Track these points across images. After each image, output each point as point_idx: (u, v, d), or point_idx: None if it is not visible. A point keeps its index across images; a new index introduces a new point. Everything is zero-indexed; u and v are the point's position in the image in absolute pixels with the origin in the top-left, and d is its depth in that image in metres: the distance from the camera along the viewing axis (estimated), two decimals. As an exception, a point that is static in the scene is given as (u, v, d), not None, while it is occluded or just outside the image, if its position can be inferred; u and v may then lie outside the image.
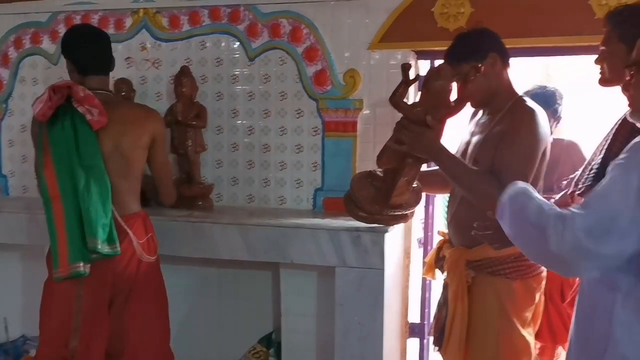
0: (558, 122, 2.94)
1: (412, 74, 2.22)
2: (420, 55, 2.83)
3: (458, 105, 2.16)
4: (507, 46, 2.28)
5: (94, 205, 2.21)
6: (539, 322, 2.39)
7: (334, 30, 2.87)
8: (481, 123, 2.31)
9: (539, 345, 2.82)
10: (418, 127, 2.11)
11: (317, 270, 2.71)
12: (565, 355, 1.91)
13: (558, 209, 1.57)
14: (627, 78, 1.62)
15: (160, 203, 2.64)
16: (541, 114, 2.16)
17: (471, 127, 2.37)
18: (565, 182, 2.16)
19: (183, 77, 2.90)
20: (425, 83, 2.16)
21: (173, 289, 2.99)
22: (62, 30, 3.23)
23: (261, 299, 3.02)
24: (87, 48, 2.35)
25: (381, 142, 2.36)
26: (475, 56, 2.18)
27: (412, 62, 2.80)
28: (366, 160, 2.80)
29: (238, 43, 3.00)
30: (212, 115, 3.01)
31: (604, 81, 1.92)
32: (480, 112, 2.36)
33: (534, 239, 1.60)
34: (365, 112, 2.85)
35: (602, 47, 1.91)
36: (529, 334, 2.27)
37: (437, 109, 2.11)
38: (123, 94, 3.01)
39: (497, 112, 2.23)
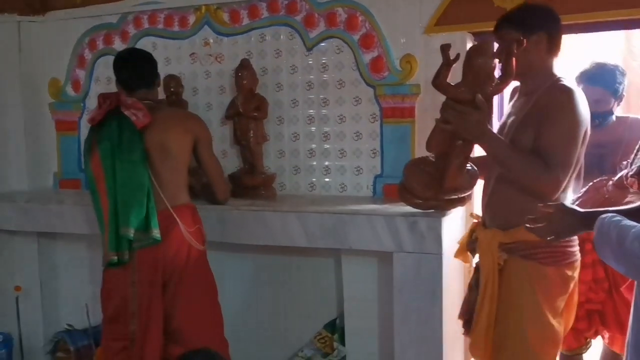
0: (620, 101, 2.78)
1: (452, 54, 2.17)
2: (477, 36, 2.77)
3: (503, 82, 2.12)
4: (581, 21, 2.20)
5: (129, 196, 2.42)
6: (573, 312, 2.33)
7: (389, 16, 2.86)
8: (517, 105, 2.25)
9: (607, 335, 2.71)
10: (464, 107, 2.09)
11: (377, 257, 2.73)
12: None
13: None
14: None
15: (215, 201, 2.77)
16: (579, 94, 2.09)
17: (508, 108, 2.31)
18: (625, 162, 2.08)
19: (243, 70, 2.97)
20: (467, 61, 2.13)
21: (237, 277, 3.12)
22: (131, 30, 3.40)
23: (325, 286, 3.07)
24: (127, 69, 2.60)
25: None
26: (522, 28, 2.12)
27: (470, 44, 2.75)
28: (424, 145, 2.77)
29: (296, 34, 3.05)
30: (273, 106, 3.08)
31: None
32: (517, 94, 2.30)
33: None
34: (423, 97, 2.83)
35: None
36: (558, 323, 2.22)
37: (481, 88, 2.07)
38: (172, 89, 3.14)
39: (533, 93, 2.17)
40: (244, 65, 2.99)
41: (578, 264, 2.24)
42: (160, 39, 3.35)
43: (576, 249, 2.22)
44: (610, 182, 2.45)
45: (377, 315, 2.81)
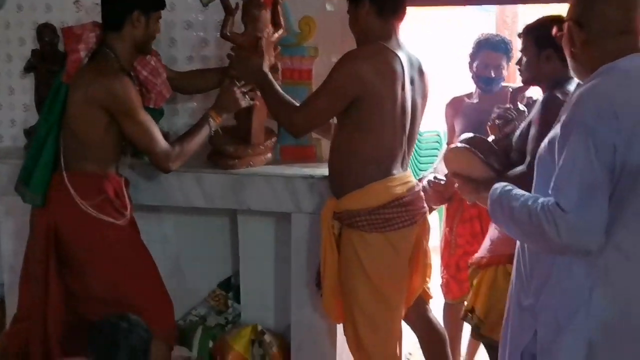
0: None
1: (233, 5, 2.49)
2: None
3: (276, 32, 2.52)
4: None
5: (32, 148, 2.37)
6: (423, 273, 2.49)
7: (288, -24, 2.85)
8: None
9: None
10: (244, 52, 2.41)
11: (274, 216, 2.78)
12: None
13: (540, 201, 1.64)
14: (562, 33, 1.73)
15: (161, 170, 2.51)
16: (357, 56, 2.30)
17: None
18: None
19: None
20: (244, 13, 2.45)
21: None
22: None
23: (219, 245, 3.08)
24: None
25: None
26: None
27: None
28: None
29: (195, -12, 2.96)
30: (166, 62, 2.97)
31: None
32: None
33: (539, 237, 1.66)
34: (320, 59, 2.86)
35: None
36: (392, 288, 2.36)
37: (260, 36, 2.43)
38: (46, 39, 2.94)
39: None
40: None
41: (410, 230, 2.35)
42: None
43: (403, 216, 2.33)
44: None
45: (274, 273, 2.87)
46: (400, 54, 2.29)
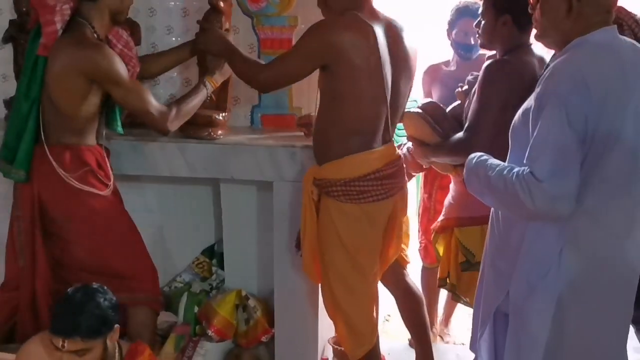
0: None
1: None
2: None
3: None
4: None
5: (11, 125, 2.38)
6: (398, 243, 2.53)
7: (267, -55, 2.85)
8: None
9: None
10: (207, 24, 2.59)
11: (256, 185, 2.84)
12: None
13: (515, 170, 1.72)
14: (531, 2, 1.79)
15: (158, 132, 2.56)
16: (327, 23, 2.36)
17: None
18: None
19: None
20: None
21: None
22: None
23: (203, 213, 3.14)
24: None
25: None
26: None
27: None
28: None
29: (169, -44, 2.95)
30: (146, 33, 2.98)
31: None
32: None
33: (514, 205, 1.75)
34: (300, 29, 2.89)
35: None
36: (367, 257, 2.41)
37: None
38: (24, 9, 2.89)
39: None
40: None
41: (385, 203, 2.38)
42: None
43: (378, 189, 2.36)
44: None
45: (256, 240, 2.94)
46: (375, 24, 2.29)
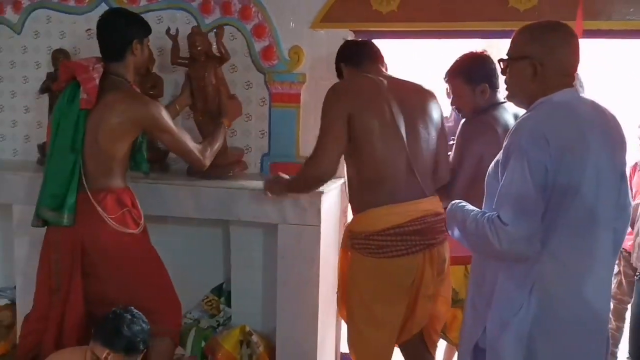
0: None
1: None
2: (358, 34, 3.10)
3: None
4: (431, 29, 2.68)
5: (53, 175, 2.53)
6: (424, 307, 2.47)
7: (280, 10, 3.13)
8: None
9: None
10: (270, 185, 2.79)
11: (262, 227, 3.03)
12: None
13: (487, 215, 1.92)
14: (502, 68, 2.01)
15: (193, 173, 2.98)
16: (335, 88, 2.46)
17: None
18: None
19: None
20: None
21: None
22: (25, 1, 3.43)
23: (213, 254, 3.34)
24: (99, 38, 2.58)
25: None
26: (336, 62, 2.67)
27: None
28: (308, 128, 3.13)
29: (192, 19, 3.24)
30: (168, 86, 3.26)
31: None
32: None
33: (484, 245, 1.94)
34: (308, 85, 3.14)
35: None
36: (383, 309, 2.41)
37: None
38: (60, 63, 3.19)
39: None
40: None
41: (406, 260, 2.36)
42: (55, 12, 3.40)
43: (398, 245, 2.35)
44: None
45: (262, 280, 3.12)
46: (382, 79, 2.42)
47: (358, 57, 2.58)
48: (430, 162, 2.47)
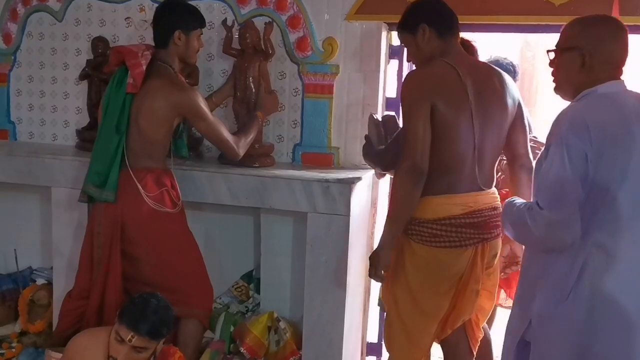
0: None
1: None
2: (392, 26, 3.11)
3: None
4: (466, 22, 2.62)
5: (99, 152, 2.67)
6: (469, 301, 2.42)
7: (315, 1, 3.15)
8: None
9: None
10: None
11: (292, 216, 3.08)
12: None
13: (529, 203, 1.95)
14: (550, 59, 2.01)
15: (226, 162, 3.02)
16: (413, 76, 2.42)
17: None
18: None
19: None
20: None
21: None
22: (66, -11, 3.52)
23: (244, 241, 3.40)
24: (152, 22, 2.79)
25: (354, 104, 2.98)
26: (407, 28, 2.45)
27: (384, 33, 3.12)
28: (340, 120, 3.16)
29: (228, 9, 3.28)
30: (204, 75, 3.31)
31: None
32: None
33: (525, 233, 1.98)
34: (341, 76, 3.17)
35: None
36: (432, 300, 2.39)
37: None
38: (100, 51, 3.33)
39: None
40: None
41: (458, 252, 2.32)
42: (95, 0, 3.48)
43: (452, 236, 2.32)
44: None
45: (291, 267, 3.17)
46: (461, 67, 2.31)
47: (448, 24, 2.40)
48: (496, 154, 2.43)
